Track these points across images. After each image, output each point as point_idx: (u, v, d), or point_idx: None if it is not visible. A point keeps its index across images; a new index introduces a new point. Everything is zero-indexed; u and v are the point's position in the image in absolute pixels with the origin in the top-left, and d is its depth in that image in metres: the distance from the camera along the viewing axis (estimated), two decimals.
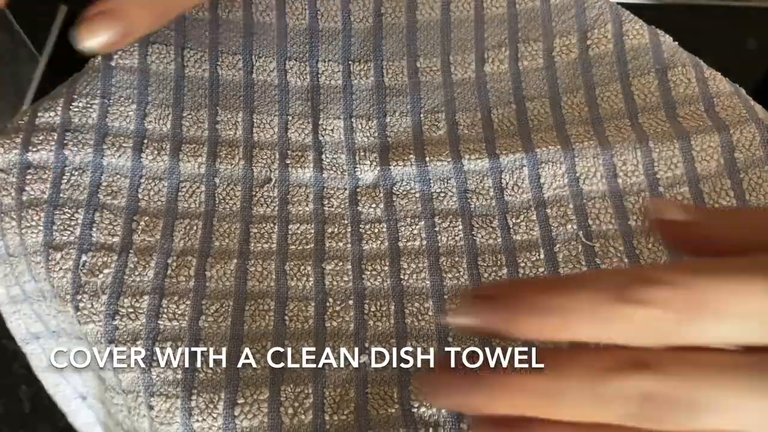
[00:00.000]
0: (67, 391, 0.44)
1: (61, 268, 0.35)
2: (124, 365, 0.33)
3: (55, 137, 0.39)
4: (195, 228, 0.38)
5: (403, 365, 0.34)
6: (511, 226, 0.37)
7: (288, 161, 0.39)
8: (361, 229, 0.38)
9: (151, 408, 0.32)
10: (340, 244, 0.37)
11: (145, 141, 0.39)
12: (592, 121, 0.40)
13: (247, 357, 0.34)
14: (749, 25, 0.71)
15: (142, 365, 0.33)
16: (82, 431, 0.47)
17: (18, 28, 0.66)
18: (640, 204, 0.37)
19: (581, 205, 0.37)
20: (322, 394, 0.32)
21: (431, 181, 0.39)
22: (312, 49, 0.43)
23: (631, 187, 0.37)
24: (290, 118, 0.41)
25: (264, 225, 0.38)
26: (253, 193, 0.39)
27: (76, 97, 0.40)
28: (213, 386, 0.32)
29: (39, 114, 0.39)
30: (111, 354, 0.33)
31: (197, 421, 0.32)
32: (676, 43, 0.41)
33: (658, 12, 0.76)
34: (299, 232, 0.38)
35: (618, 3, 0.44)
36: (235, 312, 0.35)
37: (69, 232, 0.36)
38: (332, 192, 0.39)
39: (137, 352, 0.33)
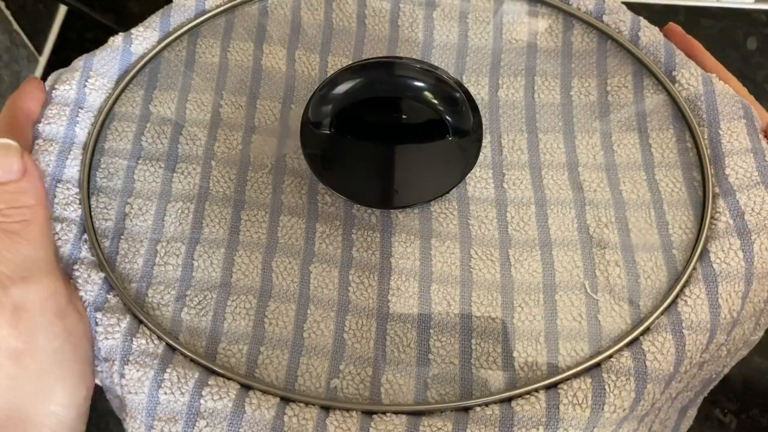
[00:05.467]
0: None
1: (59, 239, 0.36)
2: (106, 333, 0.34)
3: (68, 112, 0.39)
4: (187, 212, 0.38)
5: (373, 406, 0.32)
6: (512, 262, 0.36)
7: (285, 150, 0.39)
8: (353, 235, 0.37)
9: (122, 376, 0.33)
10: (330, 247, 0.37)
11: (148, 125, 0.40)
12: (606, 167, 0.39)
13: (222, 355, 0.34)
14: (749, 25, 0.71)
15: (125, 334, 0.34)
16: None
17: (17, 29, 0.66)
18: (653, 263, 0.36)
19: (590, 253, 0.36)
20: (283, 410, 0.33)
21: (431, 200, 0.38)
22: (324, 43, 0.43)
23: (644, 245, 0.36)
24: (293, 107, 0.41)
25: (255, 212, 0.38)
26: (248, 177, 0.39)
27: (92, 74, 0.41)
28: (188, 365, 0.33)
29: (56, 87, 0.40)
30: (96, 321, 0.34)
31: (165, 393, 0.32)
32: (702, 93, 0.39)
33: (656, 12, 0.76)
34: (290, 224, 0.37)
35: (622, 2, 0.43)
36: (217, 306, 0.35)
37: (72, 209, 0.37)
38: (327, 189, 0.39)
39: (122, 321, 0.34)
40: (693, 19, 0.73)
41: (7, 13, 0.66)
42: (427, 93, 0.35)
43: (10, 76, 0.66)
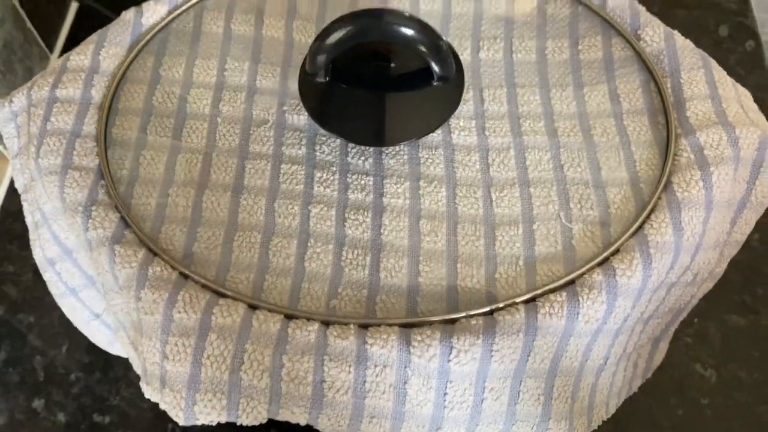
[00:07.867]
0: (85, 314, 0.48)
1: (78, 184, 0.39)
2: (123, 263, 0.37)
3: (83, 77, 0.43)
4: (195, 161, 0.41)
5: (368, 320, 0.36)
6: (494, 199, 0.39)
7: (285, 108, 0.43)
8: (348, 179, 0.41)
9: (138, 299, 0.36)
10: (327, 190, 0.40)
11: (158, 86, 0.44)
12: (579, 115, 0.43)
13: (231, 282, 0.37)
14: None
15: (141, 264, 0.37)
16: (104, 348, 0.52)
17: (30, 27, 0.70)
18: (622, 195, 0.39)
19: (564, 189, 0.40)
20: (287, 325, 0.35)
21: (419, 148, 0.42)
22: (319, 16, 0.47)
23: (614, 180, 0.39)
24: (291, 70, 0.45)
25: (258, 162, 0.41)
26: (251, 131, 0.43)
27: (106, 44, 0.45)
28: (200, 289, 0.36)
29: (71, 58, 0.44)
30: (114, 252, 0.37)
31: (178, 312, 0.35)
32: (663, 47, 0.43)
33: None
34: (290, 172, 0.42)
35: None
36: (225, 241, 0.38)
37: (90, 159, 0.41)
38: (324, 139, 0.43)
39: (138, 253, 0.37)
40: (667, 10, 0.77)
41: (22, 12, 0.70)
42: (414, 40, 0.39)
43: (23, 71, 0.70)
